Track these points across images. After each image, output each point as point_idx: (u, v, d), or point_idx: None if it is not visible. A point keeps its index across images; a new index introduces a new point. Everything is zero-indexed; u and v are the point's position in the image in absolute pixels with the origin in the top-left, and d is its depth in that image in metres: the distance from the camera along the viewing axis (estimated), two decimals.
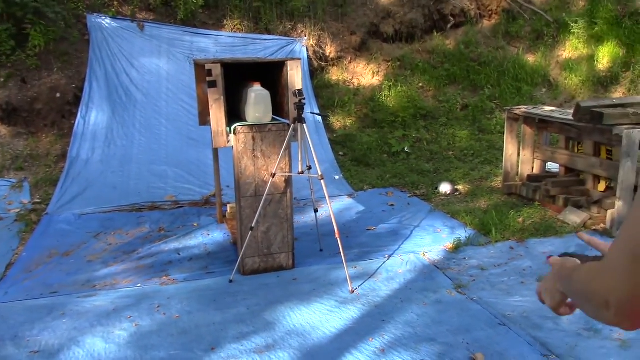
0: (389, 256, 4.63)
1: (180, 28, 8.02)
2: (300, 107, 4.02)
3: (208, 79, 4.05)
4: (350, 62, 8.94)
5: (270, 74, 4.64)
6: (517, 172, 6.31)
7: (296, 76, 4.19)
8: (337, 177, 6.75)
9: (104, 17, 7.65)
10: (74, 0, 7.56)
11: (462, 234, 5.01)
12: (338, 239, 4.06)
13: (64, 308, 3.80)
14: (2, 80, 6.72)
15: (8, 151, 6.51)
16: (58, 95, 6.94)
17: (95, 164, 6.44)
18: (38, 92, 6.85)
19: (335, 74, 8.72)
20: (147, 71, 7.50)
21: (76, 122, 6.77)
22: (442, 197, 6.22)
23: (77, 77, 7.16)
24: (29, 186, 6.12)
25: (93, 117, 6.88)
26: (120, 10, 7.94)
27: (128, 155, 6.63)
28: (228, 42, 8.17)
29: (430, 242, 4.93)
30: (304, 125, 4.09)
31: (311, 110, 7.62)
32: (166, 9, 8.20)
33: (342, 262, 4.07)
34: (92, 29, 7.52)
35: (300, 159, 4.25)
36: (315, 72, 8.59)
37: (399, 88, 8.62)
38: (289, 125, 4.20)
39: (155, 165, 6.57)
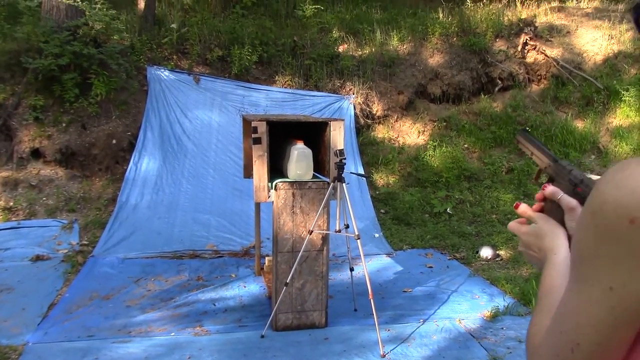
0: (424, 321, 4.51)
1: (234, 82, 8.30)
2: (340, 167, 4.04)
3: (253, 135, 4.14)
4: (397, 121, 8.99)
5: (313, 132, 4.71)
6: None
7: (338, 136, 4.24)
8: (376, 235, 6.69)
9: (163, 70, 8.00)
10: (137, 53, 7.96)
11: (501, 302, 4.84)
12: (372, 301, 3.99)
13: (98, 352, 3.83)
14: (64, 125, 7.07)
15: (63, 192, 6.76)
16: (114, 141, 7.23)
17: (143, 210, 6.61)
18: (96, 138, 7.16)
19: (381, 132, 8.78)
20: (199, 122, 7.74)
21: (128, 168, 7.00)
22: (483, 262, 6.06)
23: (133, 125, 7.46)
24: (79, 228, 6.32)
25: (145, 163, 7.11)
26: (179, 63, 8.30)
27: (175, 203, 6.78)
28: (278, 97, 8.38)
29: (467, 308, 4.77)
30: (344, 184, 4.11)
31: (354, 166, 7.67)
32: (221, 64, 8.53)
33: (375, 324, 3.98)
34: (151, 80, 7.87)
35: (338, 217, 4.25)
36: (362, 129, 8.67)
37: (444, 148, 8.59)
38: (328, 183, 4.22)
39: (199, 213, 6.69)
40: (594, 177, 1.04)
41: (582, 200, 0.98)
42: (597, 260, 0.68)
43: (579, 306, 0.71)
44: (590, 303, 0.69)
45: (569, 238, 0.98)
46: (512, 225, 1.11)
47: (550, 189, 1.04)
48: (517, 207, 1.10)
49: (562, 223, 1.01)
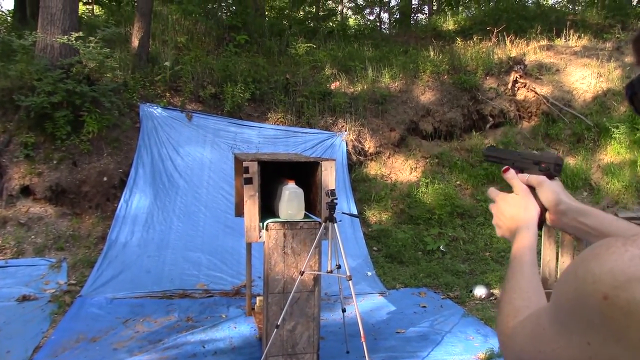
0: None
1: (226, 119, 8.35)
2: (332, 207, 4.04)
3: (245, 175, 4.14)
4: (389, 157, 9.04)
5: (305, 171, 4.72)
6: (556, 279, 6.08)
7: (330, 176, 4.25)
8: (369, 274, 6.65)
9: (155, 107, 8.05)
10: (130, 91, 8.01)
11: (496, 343, 4.78)
12: (364, 344, 3.93)
13: None
14: (55, 162, 7.05)
15: (52, 231, 6.71)
16: (105, 178, 7.21)
17: (133, 248, 6.55)
18: (87, 175, 7.14)
19: (373, 169, 8.81)
20: (191, 159, 7.75)
21: (119, 206, 6.97)
22: (477, 301, 6.01)
23: (125, 162, 7.45)
24: (67, 266, 6.25)
25: (135, 201, 7.08)
26: (172, 100, 8.36)
27: (165, 240, 6.73)
28: (270, 134, 8.43)
29: (461, 350, 4.72)
30: (335, 224, 4.09)
31: (346, 203, 7.67)
32: (214, 101, 8.60)
33: None
34: (143, 117, 7.91)
35: (329, 257, 4.22)
36: (354, 165, 8.71)
37: (436, 185, 8.62)
38: (320, 223, 4.21)
39: (190, 251, 6.64)
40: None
41: (548, 174, 1.15)
42: (575, 317, 0.72)
43: (558, 342, 0.76)
44: (570, 345, 0.74)
45: (542, 211, 1.13)
46: (492, 189, 1.24)
47: (510, 172, 1.19)
48: (506, 171, 1.21)
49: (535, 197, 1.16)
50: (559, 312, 0.76)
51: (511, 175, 1.20)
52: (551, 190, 1.14)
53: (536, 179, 1.15)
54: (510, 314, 0.92)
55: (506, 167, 1.22)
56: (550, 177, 1.16)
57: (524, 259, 1.02)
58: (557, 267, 6.02)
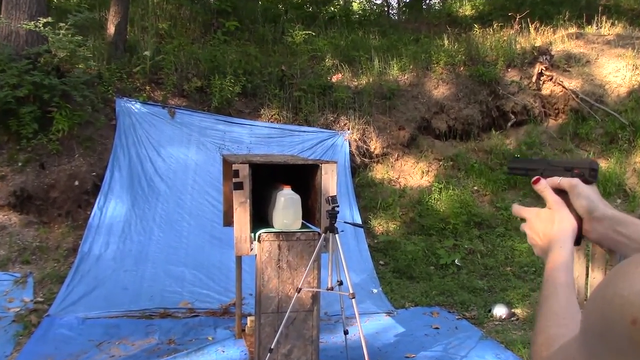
0: None
1: (214, 116, 8.39)
2: (333, 216, 4.06)
3: (234, 180, 4.17)
4: (397, 160, 9.08)
5: (303, 174, 4.74)
6: (585, 297, 6.10)
7: (330, 180, 4.28)
8: (375, 291, 6.67)
9: (133, 102, 8.09)
10: (105, 84, 8.05)
11: None
12: None
13: None
14: (20, 164, 7.08)
15: (16, 242, 6.73)
16: (76, 183, 7.24)
17: (107, 261, 6.57)
18: (56, 179, 7.17)
19: (379, 172, 8.85)
20: (174, 161, 7.78)
21: (92, 214, 6.99)
22: (496, 322, 6.03)
23: (99, 165, 7.48)
24: (33, 282, 6.26)
25: (111, 208, 7.10)
26: (152, 95, 8.40)
27: (144, 253, 6.75)
28: (263, 133, 8.46)
29: None
30: (336, 235, 4.12)
31: (349, 211, 7.69)
32: (200, 96, 8.64)
33: None
34: (120, 113, 7.94)
35: (330, 272, 4.24)
36: (358, 169, 8.74)
37: (450, 191, 8.65)
38: (319, 234, 4.23)
39: (172, 265, 6.66)
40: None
41: (583, 181, 1.18)
42: (603, 344, 0.73)
43: None
44: None
45: (579, 222, 1.14)
46: (515, 207, 1.25)
47: (541, 183, 1.21)
48: (536, 182, 1.22)
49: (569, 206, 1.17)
50: (587, 338, 0.77)
51: (542, 187, 1.21)
52: (585, 195, 1.15)
53: (569, 181, 1.17)
54: (544, 343, 0.92)
55: (536, 177, 1.23)
56: (586, 183, 1.18)
57: (557, 280, 1.03)
58: (587, 283, 6.05)
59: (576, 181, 1.16)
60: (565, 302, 0.99)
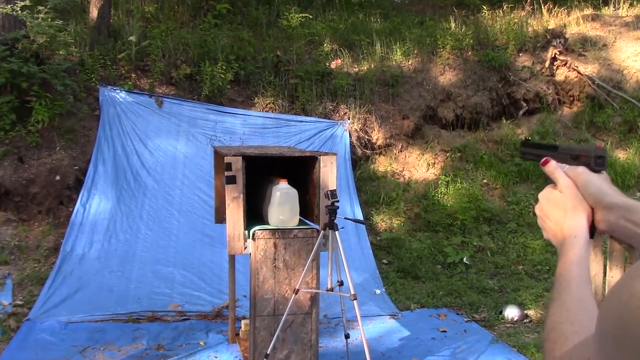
0: None
1: (204, 105, 8.37)
2: (332, 212, 4.05)
3: (227, 173, 4.16)
4: (401, 151, 9.07)
5: (300, 167, 4.73)
6: (603, 297, 6.11)
7: (330, 174, 4.26)
8: (377, 292, 6.67)
9: (118, 91, 8.06)
10: (87, 71, 8.02)
11: None
12: None
13: None
14: None
15: None
16: (58, 177, 7.22)
17: (92, 261, 6.56)
18: (35, 173, 7.15)
19: (382, 165, 8.84)
20: (162, 153, 7.76)
21: (74, 210, 6.98)
22: (508, 325, 6.04)
23: (82, 158, 7.46)
24: (12, 284, 6.25)
25: (95, 204, 7.09)
26: (138, 83, 8.37)
27: (131, 252, 6.75)
28: (258, 123, 8.45)
29: None
30: (336, 232, 4.11)
31: (350, 206, 7.69)
32: (189, 83, 8.61)
33: None
34: (103, 103, 7.92)
35: (330, 272, 4.24)
36: (359, 161, 8.73)
37: (458, 184, 8.65)
38: (318, 231, 4.22)
39: (161, 265, 6.65)
40: None
41: (590, 170, 1.16)
42: (620, 348, 0.72)
43: None
44: None
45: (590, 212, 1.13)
46: (554, 164, 1.23)
47: (550, 164, 1.20)
48: (545, 163, 1.21)
49: None
50: (603, 341, 0.77)
51: (552, 168, 1.19)
52: (592, 183, 1.13)
53: (574, 170, 1.16)
54: (557, 341, 0.92)
55: (545, 158, 1.22)
56: (593, 172, 1.17)
57: (571, 274, 1.02)
58: (604, 282, 6.06)
59: (582, 169, 1.15)
60: (580, 297, 0.98)
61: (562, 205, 1.13)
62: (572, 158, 1.20)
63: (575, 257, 1.05)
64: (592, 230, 1.12)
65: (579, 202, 1.12)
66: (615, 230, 1.11)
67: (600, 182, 1.14)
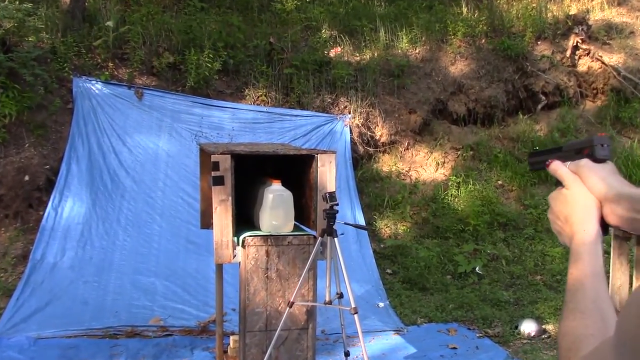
0: None
1: (189, 98, 8.35)
2: (331, 216, 4.04)
3: (214, 173, 4.14)
4: (407, 149, 9.07)
5: (295, 167, 4.72)
6: None
7: (328, 174, 4.26)
8: (381, 305, 6.67)
9: (94, 82, 8.04)
10: (59, 60, 8.00)
11: None
12: None
13: None
14: None
15: None
16: (26, 178, 7.20)
17: (64, 271, 6.55)
18: (2, 173, 7.13)
19: (386, 164, 8.83)
20: (142, 151, 7.75)
21: (45, 214, 6.96)
22: (524, 341, 6.04)
23: (53, 156, 7.45)
24: None
25: (67, 208, 7.07)
26: (116, 73, 8.36)
27: (107, 261, 6.73)
28: (248, 118, 8.44)
29: None
30: (336, 239, 4.10)
31: (350, 211, 7.68)
32: (172, 74, 8.59)
33: None
34: (77, 95, 7.90)
35: (328, 283, 4.23)
36: (361, 160, 8.73)
37: (470, 186, 8.65)
38: (315, 238, 4.21)
39: (141, 275, 6.64)
40: None
41: (593, 160, 1.18)
42: (637, 353, 0.74)
43: None
44: None
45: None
46: (558, 163, 1.26)
47: (553, 163, 1.23)
48: (549, 165, 1.25)
49: None
50: (622, 349, 0.77)
51: (556, 166, 1.22)
52: (595, 175, 1.14)
53: (575, 165, 1.18)
54: (572, 347, 0.93)
55: (548, 160, 1.25)
56: (597, 162, 1.17)
57: (583, 271, 1.03)
58: (630, 292, 6.05)
59: (585, 161, 1.17)
60: (594, 296, 0.99)
61: (570, 202, 1.15)
62: (576, 153, 1.22)
63: (586, 253, 1.07)
64: (605, 226, 1.13)
65: (582, 191, 1.15)
66: (625, 224, 1.11)
67: (604, 173, 1.15)
